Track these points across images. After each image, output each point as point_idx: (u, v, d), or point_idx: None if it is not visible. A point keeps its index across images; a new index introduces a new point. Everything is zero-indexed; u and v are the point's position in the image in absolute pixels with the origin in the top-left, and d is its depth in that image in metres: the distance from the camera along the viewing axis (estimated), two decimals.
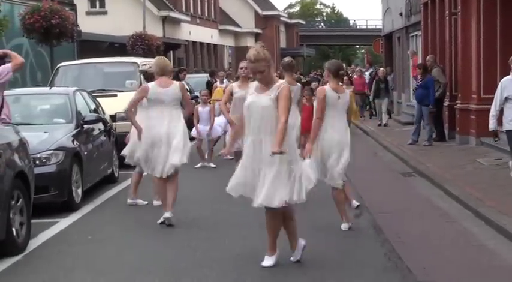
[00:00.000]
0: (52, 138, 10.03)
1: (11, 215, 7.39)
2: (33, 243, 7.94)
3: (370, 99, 25.61)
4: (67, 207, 9.89)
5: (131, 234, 8.56)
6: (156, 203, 9.89)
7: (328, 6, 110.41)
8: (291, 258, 6.89)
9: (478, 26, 16.44)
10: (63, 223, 9.14)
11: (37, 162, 9.27)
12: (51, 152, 9.72)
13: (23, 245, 7.67)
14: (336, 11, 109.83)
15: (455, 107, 17.48)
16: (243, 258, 7.12)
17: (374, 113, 26.44)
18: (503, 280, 6.43)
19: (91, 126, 11.50)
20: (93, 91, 13.92)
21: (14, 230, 7.45)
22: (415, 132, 17.55)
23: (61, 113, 11.18)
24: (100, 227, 8.97)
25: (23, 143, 8.21)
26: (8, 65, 9.63)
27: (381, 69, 25.53)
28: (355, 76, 27.20)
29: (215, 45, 58.59)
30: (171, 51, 46.47)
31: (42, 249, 7.84)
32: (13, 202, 7.51)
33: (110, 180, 12.32)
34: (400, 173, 13.48)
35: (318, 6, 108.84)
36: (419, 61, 23.34)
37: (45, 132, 10.15)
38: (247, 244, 7.69)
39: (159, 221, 8.71)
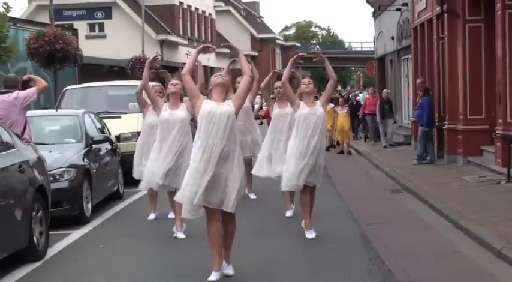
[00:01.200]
0: (64, 156, 10.84)
1: (32, 225, 8.17)
2: (51, 252, 8.73)
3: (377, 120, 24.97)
4: (78, 220, 10.67)
5: (139, 244, 9.32)
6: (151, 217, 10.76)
7: (323, 29, 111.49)
8: (229, 272, 7.32)
9: (463, 50, 17.29)
10: (75, 234, 9.92)
11: (51, 178, 10.02)
12: (64, 169, 10.53)
13: (43, 253, 8.45)
14: (331, 33, 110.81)
15: (443, 127, 18.28)
16: (243, 266, 7.86)
17: (368, 135, 26.81)
18: (473, 280, 7.19)
19: (99, 145, 12.29)
20: (99, 113, 14.70)
21: (35, 238, 8.24)
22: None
23: (71, 134, 12.01)
24: (110, 238, 9.75)
25: (41, 160, 9.01)
26: (33, 89, 10.49)
27: (384, 90, 25.52)
28: (367, 96, 26.40)
29: (212, 68, 59.55)
30: (169, 74, 47.40)
31: (59, 256, 8.63)
32: (34, 213, 8.30)
33: (115, 197, 13.10)
34: (389, 190, 14.28)
35: (313, 28, 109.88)
36: (410, 83, 24.30)
37: (52, 151, 10.91)
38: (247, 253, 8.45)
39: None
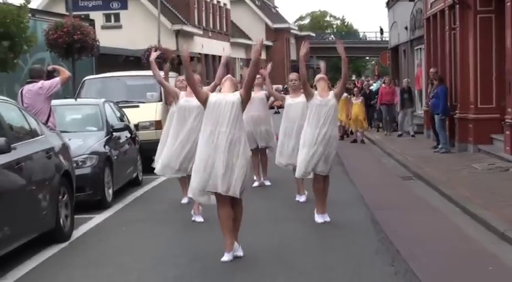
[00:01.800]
0: (86, 144, 11.29)
1: (59, 208, 8.63)
2: (76, 234, 9.18)
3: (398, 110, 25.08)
4: (100, 205, 11.13)
5: (159, 226, 9.75)
6: (184, 201, 11.14)
7: (338, 19, 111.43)
8: (239, 253, 7.64)
9: (475, 41, 17.60)
10: (98, 218, 10.37)
11: (74, 164, 10.46)
12: (87, 156, 10.99)
13: (68, 234, 8.92)
14: (346, 23, 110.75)
15: (454, 116, 18.60)
16: (255, 250, 8.29)
17: (381, 125, 27.16)
18: (478, 262, 7.57)
19: (119, 133, 12.74)
20: (117, 102, 15.13)
21: (61, 221, 8.70)
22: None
23: (93, 122, 12.47)
24: (131, 221, 10.19)
25: (66, 147, 9.46)
26: (57, 79, 10.96)
27: (405, 79, 25.55)
28: (383, 85, 25.63)
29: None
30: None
31: (83, 238, 9.09)
32: (60, 197, 8.76)
33: (135, 183, 13.55)
34: (400, 177, 14.67)
35: (328, 18, 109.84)
36: (423, 73, 24.57)
37: (75, 139, 11.35)
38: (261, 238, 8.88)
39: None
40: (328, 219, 9.60)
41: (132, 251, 8.32)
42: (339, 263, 7.46)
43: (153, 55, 10.66)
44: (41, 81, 11.03)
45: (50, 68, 11.82)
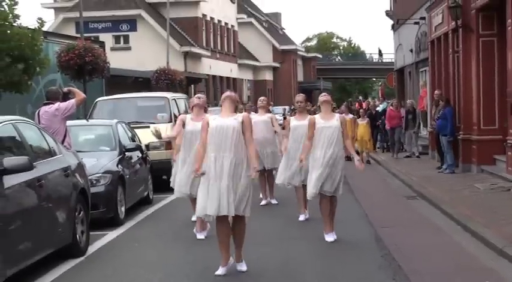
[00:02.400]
0: (100, 163, 11.71)
1: (75, 224, 9.03)
2: (91, 249, 9.58)
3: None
4: (113, 222, 11.51)
5: (170, 243, 10.14)
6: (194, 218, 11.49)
7: (345, 40, 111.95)
8: (243, 268, 8.06)
9: (477, 63, 18.01)
10: (111, 235, 10.76)
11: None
12: (101, 174, 11.41)
13: (84, 249, 9.31)
14: (352, 45, 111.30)
15: (458, 137, 18.95)
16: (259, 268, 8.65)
17: (385, 146, 27.53)
18: (477, 277, 7.92)
19: (131, 153, 13.16)
20: (129, 123, 15.57)
21: (77, 236, 9.09)
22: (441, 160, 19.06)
23: (106, 142, 12.91)
24: (143, 238, 10.59)
25: (81, 166, 9.87)
26: (72, 101, 11.41)
27: (409, 101, 25.74)
28: (390, 108, 25.39)
29: (234, 79, 60.47)
30: (192, 85, 48.38)
31: (99, 253, 9.49)
32: (77, 214, 9.17)
33: (145, 202, 13.95)
34: (404, 196, 15.04)
35: (334, 39, 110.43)
36: (428, 94, 24.96)
37: (89, 158, 11.76)
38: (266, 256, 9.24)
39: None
40: (335, 237, 9.93)
41: (145, 265, 8.69)
42: (343, 277, 7.82)
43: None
44: (57, 103, 11.48)
45: (65, 89, 12.30)
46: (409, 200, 14.51)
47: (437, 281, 7.62)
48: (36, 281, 7.90)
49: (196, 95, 10.77)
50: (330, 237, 9.91)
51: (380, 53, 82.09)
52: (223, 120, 7.99)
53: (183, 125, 10.46)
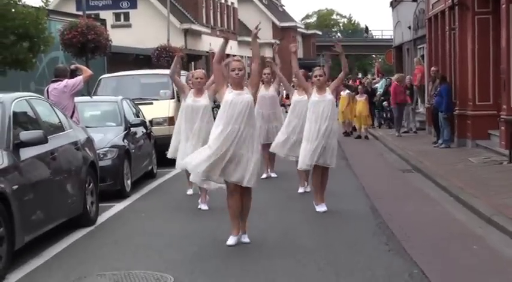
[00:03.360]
0: (107, 138, 12.17)
1: (85, 196, 9.51)
2: (100, 219, 10.07)
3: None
4: (120, 194, 11.99)
5: (175, 213, 10.62)
6: (189, 192, 11.96)
7: (344, 17, 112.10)
8: (246, 240, 8.33)
9: (473, 41, 18.40)
10: (118, 206, 11.24)
11: None
12: (108, 149, 11.87)
13: (94, 219, 9.81)
14: (352, 22, 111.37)
15: (454, 113, 19.40)
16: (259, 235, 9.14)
17: (383, 122, 27.68)
18: (464, 242, 8.40)
19: (136, 129, 13.61)
20: (132, 100, 15.99)
21: (88, 207, 9.57)
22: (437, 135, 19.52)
23: (112, 118, 13.36)
24: (149, 209, 11.07)
25: (90, 140, 10.34)
26: (80, 77, 11.85)
27: (407, 77, 25.71)
28: (395, 83, 24.08)
29: (234, 56, 60.66)
30: (193, 62, 48.70)
31: (107, 223, 9.99)
32: (87, 185, 9.64)
33: (150, 176, 14.42)
34: (400, 170, 15.52)
35: (334, 16, 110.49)
36: (425, 71, 25.34)
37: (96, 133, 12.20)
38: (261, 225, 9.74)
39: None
40: (325, 208, 10.31)
41: (152, 233, 9.18)
42: (340, 243, 8.30)
43: (179, 54, 11.47)
44: (65, 80, 11.92)
45: (73, 66, 12.72)
46: (404, 173, 14.99)
47: (427, 246, 8.08)
48: (51, 247, 8.37)
49: (195, 75, 10.98)
50: (320, 208, 10.30)
51: (366, 31, 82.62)
52: (237, 96, 8.12)
53: (183, 92, 10.99)
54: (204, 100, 10.79)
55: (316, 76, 11.15)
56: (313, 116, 10.36)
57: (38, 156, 8.09)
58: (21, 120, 8.29)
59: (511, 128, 15.00)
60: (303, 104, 11.84)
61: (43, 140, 7.94)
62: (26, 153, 7.82)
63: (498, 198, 10.60)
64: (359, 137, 23.87)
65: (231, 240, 8.26)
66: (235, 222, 8.33)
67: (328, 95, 10.42)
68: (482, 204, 10.17)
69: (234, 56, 47.73)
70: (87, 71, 12.23)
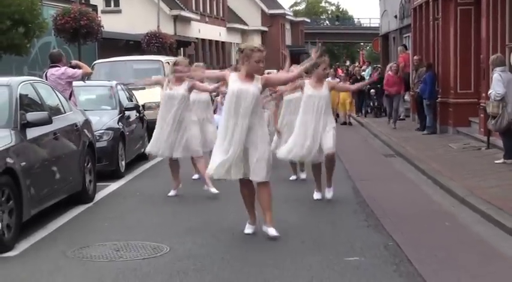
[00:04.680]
0: (102, 121, 12.75)
1: (84, 174, 10.11)
2: (97, 197, 10.68)
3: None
4: (114, 175, 12.58)
5: (167, 192, 11.20)
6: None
7: (333, 4, 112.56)
8: (272, 233, 7.86)
9: (455, 31, 19.06)
10: (114, 186, 11.84)
11: None
12: (103, 131, 12.47)
13: (92, 197, 10.41)
14: (340, 9, 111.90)
15: (436, 101, 20.05)
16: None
17: (369, 110, 27.90)
18: (438, 219, 9.05)
19: (129, 112, 14.19)
20: (125, 84, 16.55)
21: (86, 184, 10.17)
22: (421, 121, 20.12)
23: (107, 101, 13.95)
24: (143, 188, 11.66)
25: (88, 122, 10.92)
26: (80, 71, 12.43)
27: (394, 64, 24.70)
28: (389, 73, 22.99)
29: (223, 43, 61.17)
30: (182, 49, 49.13)
31: (105, 200, 10.61)
32: (85, 164, 10.24)
33: (142, 158, 14.97)
34: (383, 154, 16.19)
35: (323, 4, 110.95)
36: (410, 59, 25.97)
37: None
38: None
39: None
40: (319, 196, 10.33)
41: (148, 209, 9.81)
42: (322, 220, 8.92)
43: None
44: (64, 67, 12.46)
45: (73, 63, 13.24)
46: (387, 158, 15.66)
47: (403, 223, 8.72)
48: (54, 220, 8.97)
49: (177, 62, 10.72)
50: (317, 196, 10.33)
51: (337, 19, 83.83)
52: (242, 85, 7.75)
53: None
54: (182, 89, 10.56)
55: (325, 68, 10.41)
56: (306, 109, 9.99)
57: (42, 136, 8.68)
58: (27, 102, 8.86)
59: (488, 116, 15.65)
60: (296, 101, 11.03)
61: (48, 121, 8.54)
62: (32, 132, 8.41)
63: (472, 180, 11.27)
64: (345, 123, 24.51)
65: (248, 229, 8.07)
66: (252, 212, 8.10)
67: (325, 90, 10.02)
68: (457, 186, 10.84)
69: (222, 42, 47.70)
70: (87, 69, 12.80)
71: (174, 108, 10.55)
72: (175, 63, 10.76)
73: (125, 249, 7.53)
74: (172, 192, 10.80)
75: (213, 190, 10.47)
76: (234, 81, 7.79)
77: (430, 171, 12.64)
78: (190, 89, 10.71)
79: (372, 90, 26.50)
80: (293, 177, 12.36)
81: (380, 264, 6.84)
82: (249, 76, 7.79)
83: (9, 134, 7.96)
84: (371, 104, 27.67)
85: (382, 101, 26.02)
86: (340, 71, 35.47)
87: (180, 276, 6.55)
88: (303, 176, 12.38)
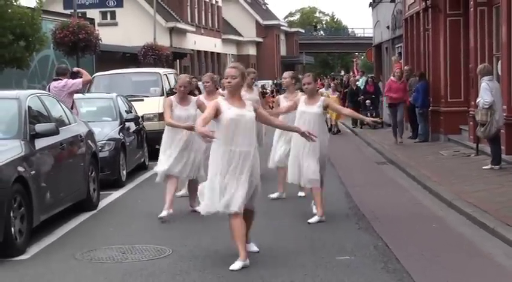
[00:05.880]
0: (104, 132, 13.22)
1: (89, 182, 10.59)
2: (101, 204, 11.15)
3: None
4: (116, 184, 13.05)
5: None
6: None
7: (327, 15, 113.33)
8: (253, 249, 7.72)
9: (445, 41, 19.61)
10: (116, 194, 12.32)
11: None
12: (105, 142, 12.94)
13: (96, 204, 10.89)
14: (335, 20, 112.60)
15: (428, 109, 20.55)
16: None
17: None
18: (426, 222, 9.52)
19: (129, 123, 14.67)
20: (124, 96, 17.03)
21: (90, 193, 10.64)
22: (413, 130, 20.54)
23: (108, 113, 14.42)
24: (144, 196, 12.14)
25: (91, 133, 11.40)
26: (80, 80, 12.91)
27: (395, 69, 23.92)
28: (392, 79, 20.62)
29: (218, 54, 61.80)
30: (178, 60, 49.71)
31: (108, 207, 11.09)
32: (90, 173, 10.71)
33: (142, 167, 15.48)
34: (375, 162, 16.70)
35: (317, 14, 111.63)
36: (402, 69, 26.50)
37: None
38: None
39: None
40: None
41: (150, 216, 10.24)
42: (315, 223, 9.39)
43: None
44: (65, 80, 12.96)
45: (75, 69, 13.75)
46: (379, 165, 16.15)
47: (393, 225, 9.21)
48: (61, 227, 9.45)
49: (179, 83, 10.16)
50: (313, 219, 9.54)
51: (315, 28, 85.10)
52: (239, 112, 7.33)
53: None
54: (192, 109, 10.10)
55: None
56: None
57: (50, 146, 9.16)
58: (35, 114, 9.34)
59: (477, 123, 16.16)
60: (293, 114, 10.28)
61: (55, 132, 9.02)
62: (40, 143, 8.89)
63: (460, 185, 11.77)
64: (339, 131, 25.01)
65: (237, 265, 7.20)
66: (242, 245, 7.32)
67: (317, 108, 9.62)
68: (444, 191, 11.34)
69: (218, 54, 48.05)
70: (87, 76, 13.27)
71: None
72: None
73: (130, 251, 8.01)
74: (164, 213, 9.87)
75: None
76: (228, 109, 7.33)
77: (420, 177, 13.13)
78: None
79: (368, 101, 26.34)
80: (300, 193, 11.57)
81: (369, 263, 7.32)
82: (235, 98, 7.43)
83: (19, 144, 8.44)
84: (368, 115, 25.63)
85: (378, 112, 26.10)
86: (319, 83, 35.60)
87: (183, 275, 7.03)
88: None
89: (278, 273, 6.97)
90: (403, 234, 8.69)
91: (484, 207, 9.73)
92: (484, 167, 13.58)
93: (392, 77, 20.93)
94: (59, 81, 13.00)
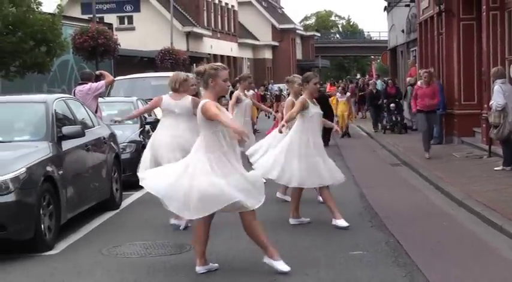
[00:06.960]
0: (125, 134, 13.66)
1: (112, 183, 11.01)
2: (124, 204, 11.58)
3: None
4: (137, 184, 13.34)
5: None
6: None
7: (343, 18, 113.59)
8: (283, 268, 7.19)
9: (458, 45, 19.93)
10: (137, 194, 12.71)
11: None
12: (126, 144, 13.38)
13: (118, 204, 11.32)
14: (351, 23, 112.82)
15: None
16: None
17: (388, 127, 25.27)
18: (437, 220, 9.87)
19: (149, 126, 15.08)
20: (144, 100, 17.46)
21: (114, 192, 11.06)
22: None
23: None
24: None
25: (114, 135, 11.83)
26: (103, 82, 13.36)
27: (408, 78, 25.03)
28: (419, 84, 17.94)
29: (235, 58, 62.27)
30: (194, 64, 50.24)
31: (130, 206, 11.52)
32: (113, 174, 11.14)
33: None
34: (390, 164, 17.03)
35: (333, 18, 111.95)
36: (416, 72, 26.83)
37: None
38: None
39: None
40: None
41: (170, 214, 10.55)
42: (330, 220, 9.74)
43: None
44: (90, 84, 13.42)
45: (97, 72, 14.24)
46: (393, 167, 16.50)
47: (405, 223, 9.57)
48: (87, 225, 9.89)
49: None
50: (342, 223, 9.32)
51: (318, 30, 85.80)
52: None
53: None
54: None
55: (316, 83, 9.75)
56: (309, 128, 9.45)
57: (76, 148, 9.60)
58: (61, 117, 9.78)
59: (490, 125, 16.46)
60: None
61: (81, 134, 9.45)
62: (67, 144, 9.32)
63: (471, 185, 12.10)
64: (343, 135, 25.13)
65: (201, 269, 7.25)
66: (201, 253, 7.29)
67: (318, 108, 9.73)
68: (456, 191, 11.68)
69: (234, 58, 48.49)
70: (110, 77, 13.75)
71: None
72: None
73: (153, 247, 8.42)
74: (175, 221, 9.59)
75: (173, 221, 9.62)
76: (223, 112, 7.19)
77: (432, 178, 13.47)
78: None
79: (392, 105, 24.89)
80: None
81: (381, 257, 7.69)
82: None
83: (47, 145, 8.87)
84: (393, 119, 25.06)
85: (403, 116, 25.15)
86: (332, 87, 35.88)
87: None
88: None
89: (293, 265, 7.31)
90: (414, 232, 9.04)
91: (493, 206, 10.07)
92: (495, 168, 13.90)
93: (419, 83, 18.31)
94: (84, 85, 13.47)
